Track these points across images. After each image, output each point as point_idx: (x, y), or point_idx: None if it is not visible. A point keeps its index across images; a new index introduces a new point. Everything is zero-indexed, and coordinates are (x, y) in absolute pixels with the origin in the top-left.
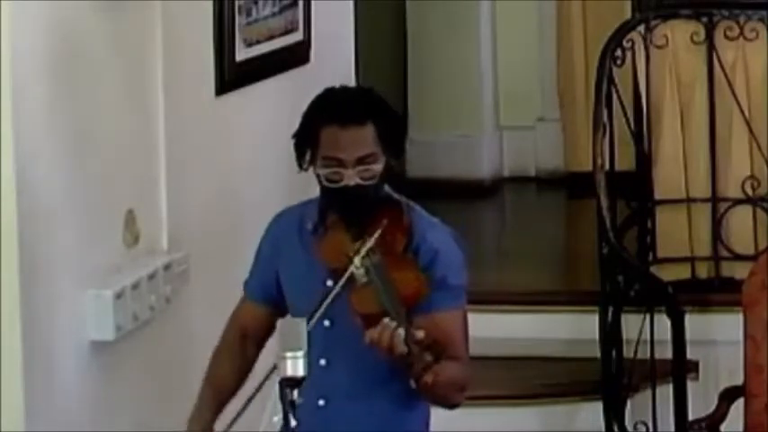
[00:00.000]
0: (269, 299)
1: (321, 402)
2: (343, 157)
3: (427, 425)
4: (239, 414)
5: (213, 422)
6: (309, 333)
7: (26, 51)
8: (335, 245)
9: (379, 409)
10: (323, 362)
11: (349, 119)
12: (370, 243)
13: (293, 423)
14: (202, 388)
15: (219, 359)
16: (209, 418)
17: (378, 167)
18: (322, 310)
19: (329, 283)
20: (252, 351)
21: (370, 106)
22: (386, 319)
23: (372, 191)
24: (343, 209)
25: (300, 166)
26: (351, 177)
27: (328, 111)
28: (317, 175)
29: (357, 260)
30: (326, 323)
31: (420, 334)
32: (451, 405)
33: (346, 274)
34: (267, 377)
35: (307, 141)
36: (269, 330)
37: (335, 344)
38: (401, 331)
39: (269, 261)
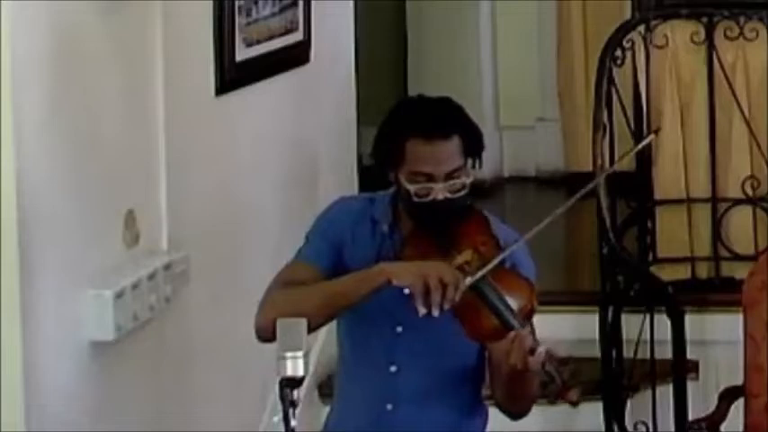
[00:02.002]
0: (328, 267)
1: (389, 407)
2: (432, 172)
3: (484, 429)
4: (492, 265)
5: None
6: (370, 338)
7: (26, 51)
8: (423, 256)
9: (446, 416)
10: (393, 368)
11: (437, 132)
12: (489, 267)
13: (293, 423)
14: (306, 289)
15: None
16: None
17: (465, 180)
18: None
19: (407, 291)
20: None
21: (454, 118)
22: (522, 332)
23: (461, 203)
24: (431, 223)
25: (384, 177)
26: (440, 191)
27: (414, 124)
28: (402, 189)
29: (475, 278)
30: (399, 329)
31: (554, 350)
32: (523, 414)
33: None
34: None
35: (391, 156)
36: None
37: (407, 350)
38: (542, 349)
39: (333, 239)
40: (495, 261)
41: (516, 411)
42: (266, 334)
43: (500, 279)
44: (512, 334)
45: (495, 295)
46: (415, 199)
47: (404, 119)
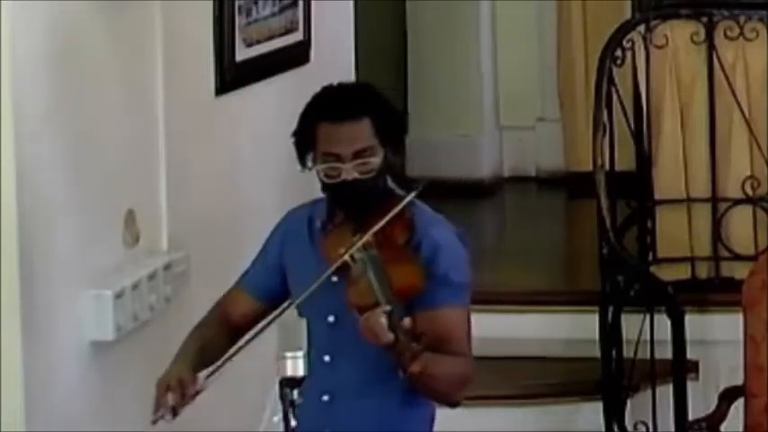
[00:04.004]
0: (265, 294)
1: (325, 398)
2: (339, 152)
3: (431, 424)
4: (226, 360)
5: (193, 368)
6: (311, 328)
7: (26, 51)
8: (338, 241)
9: (384, 407)
10: (327, 358)
11: (343, 114)
12: (366, 237)
13: (293, 423)
14: (185, 342)
15: (201, 331)
16: (188, 363)
17: (375, 161)
18: (305, 295)
19: (335, 279)
20: (227, 340)
21: (364, 100)
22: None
23: (371, 184)
24: (343, 204)
25: (302, 164)
26: (349, 172)
27: (323, 107)
28: (318, 172)
29: (350, 253)
30: (331, 319)
31: (407, 322)
32: (451, 402)
33: (334, 266)
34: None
35: (305, 139)
36: (251, 325)
37: (340, 340)
38: (383, 320)
39: (274, 257)
40: (359, 243)
41: (437, 399)
42: None
43: (392, 258)
44: (363, 316)
45: (375, 272)
46: (327, 180)
47: (315, 104)
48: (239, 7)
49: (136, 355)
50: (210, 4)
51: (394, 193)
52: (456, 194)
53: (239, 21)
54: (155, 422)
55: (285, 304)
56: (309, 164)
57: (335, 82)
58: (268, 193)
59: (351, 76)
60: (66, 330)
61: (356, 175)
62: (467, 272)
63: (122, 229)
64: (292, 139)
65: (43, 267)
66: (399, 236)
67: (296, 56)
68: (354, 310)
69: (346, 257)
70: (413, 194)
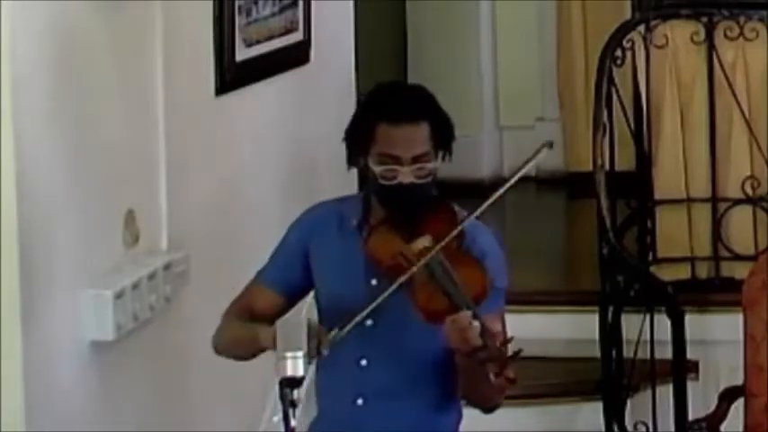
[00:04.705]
0: (287, 288)
1: (359, 401)
2: (399, 155)
3: (458, 427)
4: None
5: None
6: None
7: (26, 51)
8: (386, 243)
9: (417, 411)
10: (364, 362)
11: (407, 116)
12: (441, 243)
13: (293, 423)
14: (232, 322)
15: (232, 321)
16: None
17: (432, 166)
18: (380, 300)
19: (374, 282)
20: None
21: (425, 105)
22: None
23: (427, 189)
24: (397, 206)
25: (350, 163)
26: (406, 175)
27: (385, 108)
28: (370, 172)
29: (425, 260)
30: (369, 323)
31: (498, 327)
32: (493, 407)
33: (408, 274)
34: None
35: (360, 138)
36: (275, 319)
37: (377, 344)
38: (477, 324)
39: (297, 252)
40: (435, 249)
41: (484, 404)
42: (220, 355)
43: (456, 263)
44: (449, 319)
45: (446, 277)
46: (382, 181)
47: (376, 103)
48: (239, 7)
49: (136, 355)
50: (210, 4)
51: (442, 199)
52: (456, 194)
53: (239, 21)
54: (319, 353)
55: (371, 306)
56: (362, 162)
57: (389, 81)
58: (268, 193)
59: (351, 76)
60: (66, 330)
61: (413, 179)
62: (506, 277)
63: (122, 229)
64: (344, 137)
65: (43, 267)
66: (453, 241)
67: (296, 56)
68: (421, 315)
69: (419, 262)
70: (497, 195)
